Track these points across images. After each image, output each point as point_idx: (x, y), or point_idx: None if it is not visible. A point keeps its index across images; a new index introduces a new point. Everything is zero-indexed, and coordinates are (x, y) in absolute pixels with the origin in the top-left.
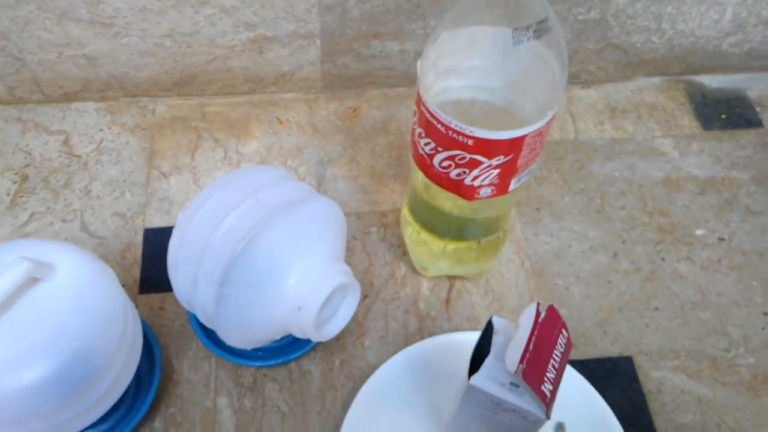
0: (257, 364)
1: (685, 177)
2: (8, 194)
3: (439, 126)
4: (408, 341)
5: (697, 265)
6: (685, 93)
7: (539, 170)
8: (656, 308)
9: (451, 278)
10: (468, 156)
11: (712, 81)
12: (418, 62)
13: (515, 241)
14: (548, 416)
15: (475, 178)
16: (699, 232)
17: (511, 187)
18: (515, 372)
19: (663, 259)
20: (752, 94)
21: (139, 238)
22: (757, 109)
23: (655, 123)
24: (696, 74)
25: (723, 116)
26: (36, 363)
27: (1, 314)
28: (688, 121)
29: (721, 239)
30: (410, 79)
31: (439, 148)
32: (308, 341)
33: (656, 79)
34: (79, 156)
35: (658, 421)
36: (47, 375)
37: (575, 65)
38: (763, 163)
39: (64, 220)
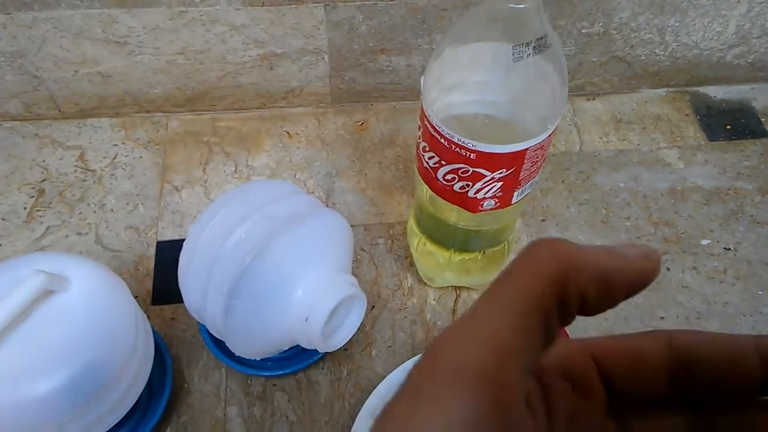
0: (266, 374)
1: (691, 187)
2: (25, 208)
3: (442, 140)
4: (415, 351)
5: (702, 275)
6: (689, 104)
7: (544, 181)
8: (662, 318)
9: (458, 289)
10: (471, 169)
11: (716, 92)
12: (422, 78)
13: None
14: None
15: (479, 191)
16: (704, 242)
17: (515, 199)
18: None
19: (668, 269)
20: (757, 105)
21: (152, 251)
22: (762, 120)
23: (660, 134)
24: (700, 85)
25: (728, 127)
26: (50, 373)
27: (16, 325)
28: (693, 132)
29: (727, 249)
30: (417, 92)
31: (443, 162)
32: (316, 351)
33: (661, 91)
34: (94, 171)
35: None
36: (61, 385)
37: (580, 78)
38: None
39: (79, 234)
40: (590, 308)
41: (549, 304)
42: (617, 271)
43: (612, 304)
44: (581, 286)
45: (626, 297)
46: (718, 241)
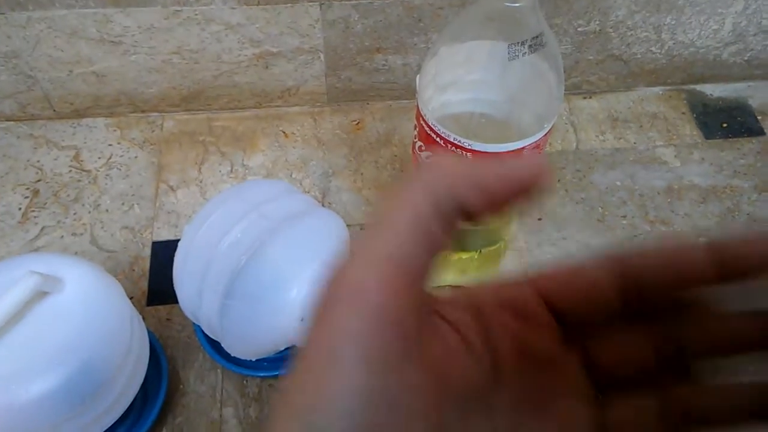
0: (262, 374)
1: (687, 186)
2: (20, 209)
3: (438, 139)
4: None
5: None
6: (686, 102)
7: None
8: None
9: (455, 288)
10: None
11: (713, 90)
12: (417, 77)
13: (517, 251)
14: None
15: None
16: (701, 240)
17: None
18: None
19: None
20: (753, 103)
21: (147, 251)
22: (759, 118)
23: (656, 132)
24: (697, 83)
25: (724, 125)
26: (44, 375)
27: (10, 327)
28: (689, 130)
29: None
30: (413, 91)
31: None
32: None
33: (657, 89)
34: (89, 171)
35: None
36: (55, 387)
37: (576, 76)
38: (764, 171)
39: (74, 234)
40: (474, 214)
41: (424, 212)
42: (495, 177)
43: (496, 209)
44: (457, 192)
45: (514, 203)
46: None
